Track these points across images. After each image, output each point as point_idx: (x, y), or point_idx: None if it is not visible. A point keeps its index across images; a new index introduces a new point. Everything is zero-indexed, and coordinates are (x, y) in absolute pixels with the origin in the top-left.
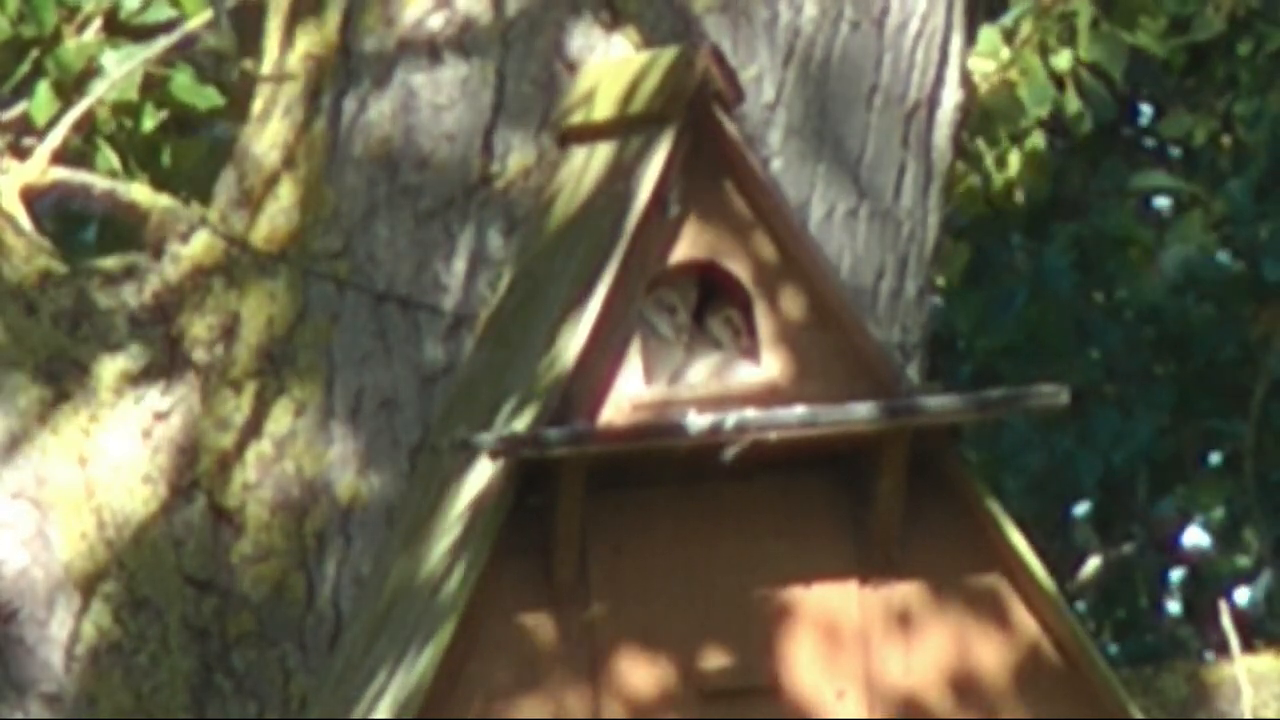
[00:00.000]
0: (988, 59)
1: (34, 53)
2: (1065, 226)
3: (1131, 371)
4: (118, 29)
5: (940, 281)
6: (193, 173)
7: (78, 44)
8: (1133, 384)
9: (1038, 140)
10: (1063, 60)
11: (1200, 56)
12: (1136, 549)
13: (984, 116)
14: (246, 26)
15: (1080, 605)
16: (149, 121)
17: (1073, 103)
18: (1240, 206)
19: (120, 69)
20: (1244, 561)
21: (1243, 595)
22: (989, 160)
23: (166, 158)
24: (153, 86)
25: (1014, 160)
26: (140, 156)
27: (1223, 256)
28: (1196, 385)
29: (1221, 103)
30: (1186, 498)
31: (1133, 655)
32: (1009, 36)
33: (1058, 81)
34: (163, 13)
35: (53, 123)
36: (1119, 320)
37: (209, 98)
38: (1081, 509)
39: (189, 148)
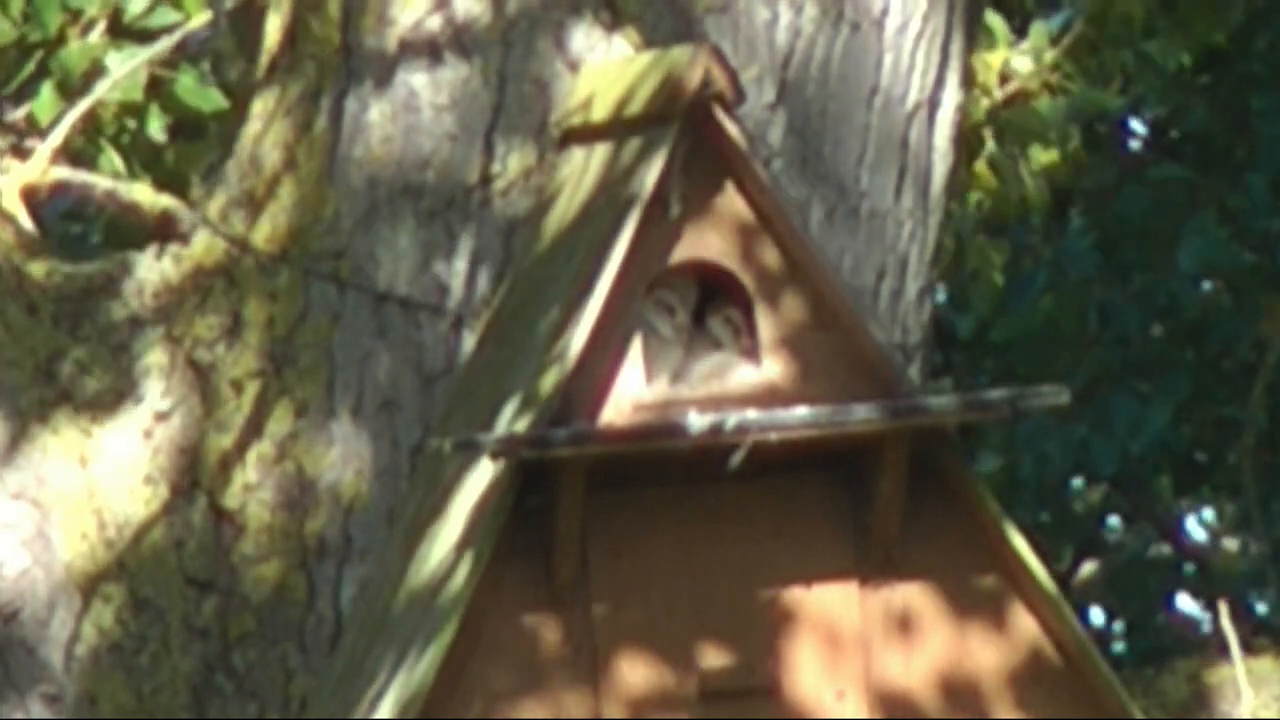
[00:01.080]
0: (1029, 56)
1: (38, 54)
2: (1083, 217)
3: (1149, 359)
4: (121, 33)
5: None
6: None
7: (81, 46)
8: (1150, 372)
9: (1076, 142)
10: (1117, 60)
11: (1215, 52)
12: (1146, 544)
13: (1003, 129)
14: (246, 26)
15: (1088, 603)
16: (155, 124)
17: (1114, 101)
18: (1258, 200)
19: (123, 69)
20: (1253, 558)
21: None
22: (1025, 159)
23: (170, 159)
24: (157, 87)
25: (1047, 157)
26: (144, 158)
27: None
28: (1213, 374)
29: (1238, 98)
30: (1196, 497)
31: (1142, 653)
32: (1055, 40)
33: (1104, 80)
34: (167, 17)
35: (55, 123)
36: (1137, 306)
37: (213, 100)
38: (1089, 503)
39: (193, 151)
